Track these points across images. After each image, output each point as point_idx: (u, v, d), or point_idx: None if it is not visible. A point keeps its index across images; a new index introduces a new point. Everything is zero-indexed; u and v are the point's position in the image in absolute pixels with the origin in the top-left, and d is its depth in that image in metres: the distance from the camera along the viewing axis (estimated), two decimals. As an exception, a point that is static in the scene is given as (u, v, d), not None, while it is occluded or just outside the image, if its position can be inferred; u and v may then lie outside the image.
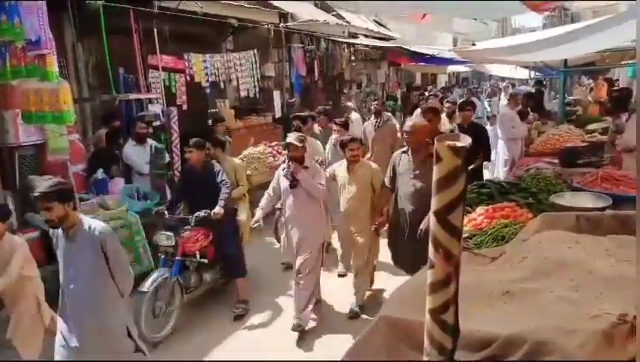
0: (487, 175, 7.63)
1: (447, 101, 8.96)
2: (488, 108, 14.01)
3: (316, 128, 7.38)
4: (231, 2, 8.23)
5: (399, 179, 4.23)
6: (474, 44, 9.95)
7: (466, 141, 0.92)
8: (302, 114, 7.42)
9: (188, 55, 7.57)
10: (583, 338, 1.51)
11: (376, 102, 7.79)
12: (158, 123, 6.66)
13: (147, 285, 4.24)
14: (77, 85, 6.36)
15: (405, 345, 1.75)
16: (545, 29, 11.98)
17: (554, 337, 1.54)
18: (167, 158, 6.29)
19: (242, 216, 5.48)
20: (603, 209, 2.85)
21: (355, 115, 8.93)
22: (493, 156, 8.90)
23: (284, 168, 4.57)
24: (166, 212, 4.91)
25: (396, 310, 1.92)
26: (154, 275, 4.37)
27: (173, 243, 4.53)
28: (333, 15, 12.06)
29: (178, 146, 6.87)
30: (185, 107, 7.51)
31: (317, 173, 4.54)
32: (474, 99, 12.13)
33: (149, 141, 6.23)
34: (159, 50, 6.81)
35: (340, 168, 4.89)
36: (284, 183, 4.52)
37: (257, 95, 9.11)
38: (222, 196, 4.76)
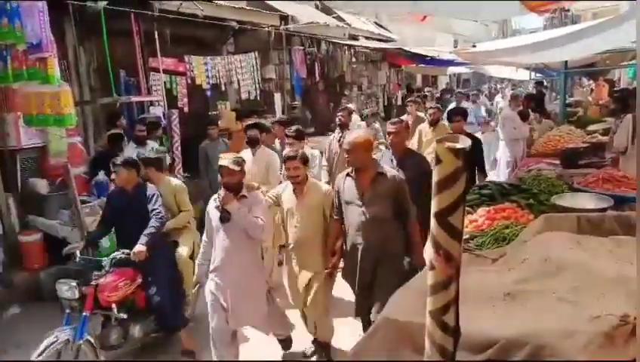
0: (489, 176, 7.63)
1: (431, 106, 7.47)
2: (483, 113, 13.51)
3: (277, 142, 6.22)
4: (232, 5, 8.24)
5: (346, 208, 3.51)
6: (474, 46, 9.95)
7: (465, 143, 0.92)
8: (260, 122, 6.26)
9: (189, 57, 7.58)
10: (584, 340, 1.51)
11: (340, 113, 6.31)
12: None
13: (35, 356, 3.19)
14: (78, 88, 6.36)
15: (406, 346, 1.75)
16: (545, 31, 12.00)
17: (555, 339, 1.54)
18: (169, 160, 6.30)
19: (184, 250, 4.39)
20: (604, 210, 2.85)
21: (354, 117, 8.93)
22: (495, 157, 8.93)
23: (215, 198, 3.64)
24: (77, 252, 3.86)
25: (397, 311, 1.92)
26: (46, 341, 3.27)
27: (77, 296, 3.50)
28: (333, 17, 12.08)
29: (179, 148, 6.88)
30: (186, 109, 7.53)
31: (257, 204, 3.58)
32: (466, 103, 11.88)
33: (150, 143, 6.24)
34: (160, 53, 6.81)
35: (286, 191, 3.92)
36: (215, 218, 3.58)
37: (258, 97, 9.13)
38: (148, 230, 3.82)
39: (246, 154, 5.14)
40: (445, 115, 7.54)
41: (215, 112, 8.58)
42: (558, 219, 2.60)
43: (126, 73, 6.90)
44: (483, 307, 1.79)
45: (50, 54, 4.29)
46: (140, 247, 3.72)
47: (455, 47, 15.59)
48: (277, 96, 9.90)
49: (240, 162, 3.56)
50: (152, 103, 7.01)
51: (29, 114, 4.66)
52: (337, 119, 6.30)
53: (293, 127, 5.51)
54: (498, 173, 8.27)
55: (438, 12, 7.70)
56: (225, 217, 3.49)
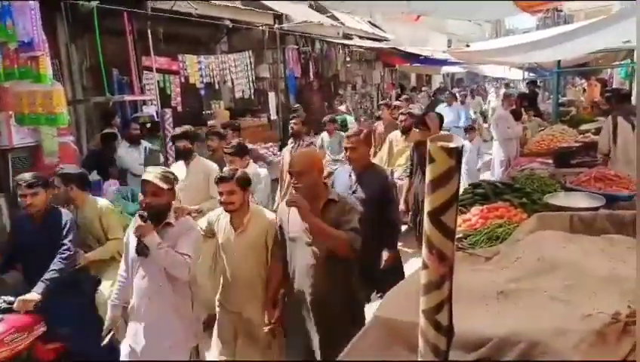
0: (484, 175, 7.66)
1: (402, 112, 6.56)
2: (472, 115, 13.02)
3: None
4: (226, 4, 8.22)
5: (289, 246, 2.85)
6: (468, 45, 10.00)
7: (458, 142, 0.92)
8: (189, 130, 4.80)
9: (182, 56, 7.55)
10: (576, 338, 1.52)
11: (293, 120, 5.46)
12: (149, 125, 6.65)
13: None
14: (71, 87, 6.32)
15: (399, 345, 1.75)
16: (538, 31, 12.07)
17: (548, 337, 1.54)
18: (162, 160, 6.28)
19: (106, 289, 3.49)
20: (596, 208, 2.87)
21: (348, 118, 8.95)
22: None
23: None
24: None
25: (390, 310, 1.92)
26: None
27: None
28: (327, 16, 12.07)
29: (173, 148, 6.86)
30: (179, 108, 7.50)
31: (186, 235, 2.83)
32: (456, 105, 11.61)
33: (143, 142, 6.21)
34: (153, 52, 6.78)
35: (222, 220, 3.16)
36: (133, 248, 2.86)
37: (252, 96, 9.11)
38: (48, 275, 3.10)
39: (178, 168, 4.45)
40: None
41: (209, 111, 8.56)
42: (551, 217, 2.61)
43: (119, 72, 6.86)
44: (476, 305, 1.80)
45: (42, 53, 4.26)
46: (32, 296, 3.02)
47: (449, 47, 15.65)
48: (271, 95, 9.89)
49: (170, 179, 2.85)
50: (145, 102, 6.97)
51: (20, 113, 4.63)
52: (290, 127, 5.19)
53: (234, 141, 4.63)
54: (492, 172, 8.30)
55: (431, 12, 7.72)
56: (142, 250, 2.76)
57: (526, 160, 5.63)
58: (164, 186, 2.79)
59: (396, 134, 6.30)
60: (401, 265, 3.92)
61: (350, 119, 9.29)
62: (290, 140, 5.50)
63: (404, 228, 5.08)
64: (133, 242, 2.85)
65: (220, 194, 3.02)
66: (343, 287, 2.79)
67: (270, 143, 8.05)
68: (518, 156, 7.00)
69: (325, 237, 2.65)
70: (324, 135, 7.35)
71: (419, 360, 1.09)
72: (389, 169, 5.71)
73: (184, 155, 4.63)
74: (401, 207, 4.84)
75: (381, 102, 9.61)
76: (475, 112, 14.27)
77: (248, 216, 3.06)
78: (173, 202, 2.95)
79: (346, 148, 3.75)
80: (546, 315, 1.67)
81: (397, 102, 9.46)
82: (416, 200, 4.80)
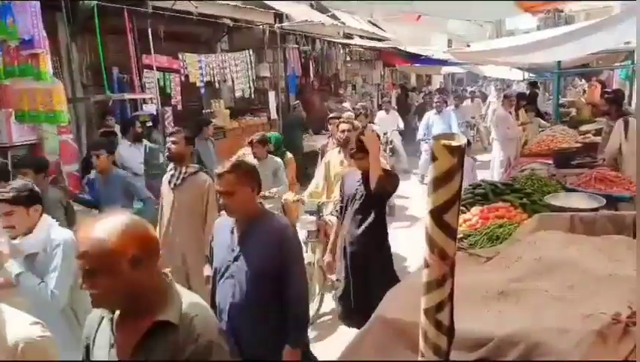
0: (484, 175, 7.61)
1: (344, 129, 4.63)
2: (456, 128, 11.21)
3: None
4: (226, 2, 8.21)
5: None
6: (469, 46, 9.99)
7: (461, 140, 0.92)
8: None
9: (183, 55, 7.55)
10: (577, 339, 1.52)
11: (173, 138, 3.75)
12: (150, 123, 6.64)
13: None
14: (71, 85, 6.32)
15: (400, 345, 1.75)
16: (539, 31, 12.06)
17: (548, 337, 1.54)
18: (162, 158, 6.26)
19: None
20: (597, 209, 2.87)
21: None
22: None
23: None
24: None
25: (391, 310, 1.92)
26: None
27: None
28: (328, 16, 12.07)
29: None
30: (179, 107, 7.49)
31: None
32: (449, 109, 9.94)
33: (144, 141, 6.21)
34: (154, 50, 6.77)
35: None
36: None
37: (252, 95, 9.11)
38: None
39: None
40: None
41: (209, 110, 8.55)
42: (552, 218, 2.61)
43: (119, 70, 6.85)
44: (476, 305, 1.79)
45: (43, 51, 4.25)
46: None
47: (449, 47, 15.64)
48: (271, 95, 9.89)
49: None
50: (145, 101, 6.96)
51: (20, 110, 4.62)
52: (167, 148, 3.84)
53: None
54: (492, 172, 8.30)
55: (432, 12, 7.71)
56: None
57: (526, 160, 5.63)
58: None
59: (334, 153, 4.75)
60: None
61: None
62: (170, 166, 3.91)
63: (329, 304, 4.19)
64: None
65: None
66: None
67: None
68: (518, 156, 6.99)
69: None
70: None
71: (420, 359, 1.09)
72: (313, 204, 4.56)
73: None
74: (327, 257, 3.82)
75: (330, 115, 7.19)
76: (473, 117, 13.24)
77: None
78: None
79: (218, 193, 2.46)
80: (547, 315, 1.67)
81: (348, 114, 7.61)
82: (346, 253, 3.51)
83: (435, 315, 1.03)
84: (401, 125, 10.76)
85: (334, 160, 4.63)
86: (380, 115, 11.13)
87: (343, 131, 4.55)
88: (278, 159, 5.17)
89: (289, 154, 5.65)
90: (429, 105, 12.57)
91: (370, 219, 3.40)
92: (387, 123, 10.40)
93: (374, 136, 3.55)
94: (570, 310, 1.69)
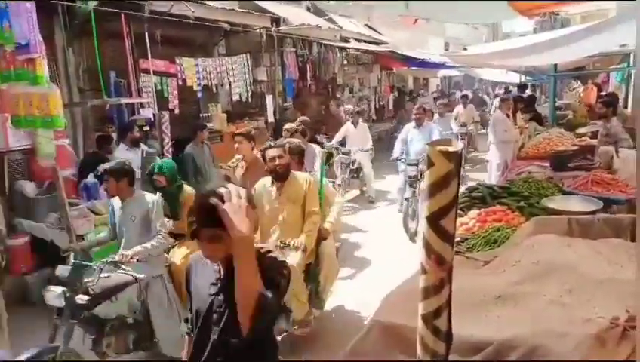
0: (481, 178, 7.63)
1: (269, 145, 3.96)
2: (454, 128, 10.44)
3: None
4: (223, 6, 8.22)
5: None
6: (465, 49, 10.01)
7: (457, 146, 0.92)
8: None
9: (180, 59, 7.54)
10: (575, 342, 1.52)
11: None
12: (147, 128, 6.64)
13: None
14: (67, 89, 6.30)
15: (398, 349, 1.74)
16: (535, 34, 12.10)
17: (547, 341, 1.54)
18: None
19: None
20: (594, 212, 2.87)
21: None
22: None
23: None
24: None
25: (389, 315, 1.91)
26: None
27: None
28: (325, 19, 12.09)
29: (170, 151, 6.84)
30: (177, 111, 7.49)
31: None
32: (413, 129, 7.43)
33: (141, 145, 6.20)
34: (151, 54, 6.77)
35: None
36: None
37: (250, 99, 9.11)
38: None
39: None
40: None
41: (206, 114, 8.54)
42: (549, 221, 2.61)
43: (116, 75, 6.84)
44: (474, 310, 1.79)
45: (39, 55, 4.23)
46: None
47: (446, 50, 15.68)
48: (269, 98, 9.89)
49: None
50: (142, 105, 6.95)
51: (17, 115, 4.60)
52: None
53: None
54: (489, 175, 8.30)
55: (428, 15, 7.72)
56: None
57: (523, 163, 5.63)
58: None
59: (264, 183, 3.87)
60: None
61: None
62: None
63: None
64: None
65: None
66: None
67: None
68: (515, 159, 7.00)
69: None
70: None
71: (417, 365, 1.08)
72: None
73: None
74: None
75: (236, 131, 5.95)
76: (464, 124, 11.18)
77: None
78: None
79: None
80: (545, 319, 1.67)
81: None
82: None
83: (433, 321, 1.02)
84: (369, 144, 8.59)
85: (267, 195, 3.75)
86: (347, 128, 8.78)
87: (273, 159, 3.67)
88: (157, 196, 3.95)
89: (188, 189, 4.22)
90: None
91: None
92: (355, 139, 8.55)
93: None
94: (568, 314, 1.69)
